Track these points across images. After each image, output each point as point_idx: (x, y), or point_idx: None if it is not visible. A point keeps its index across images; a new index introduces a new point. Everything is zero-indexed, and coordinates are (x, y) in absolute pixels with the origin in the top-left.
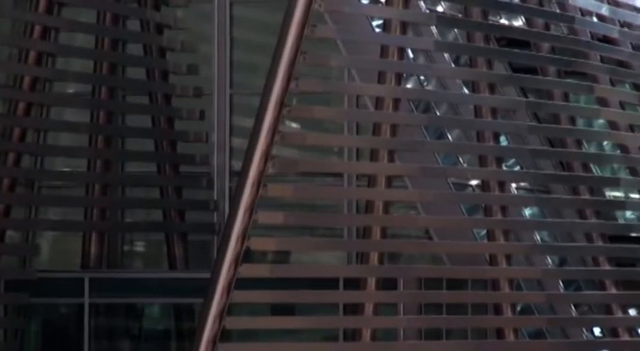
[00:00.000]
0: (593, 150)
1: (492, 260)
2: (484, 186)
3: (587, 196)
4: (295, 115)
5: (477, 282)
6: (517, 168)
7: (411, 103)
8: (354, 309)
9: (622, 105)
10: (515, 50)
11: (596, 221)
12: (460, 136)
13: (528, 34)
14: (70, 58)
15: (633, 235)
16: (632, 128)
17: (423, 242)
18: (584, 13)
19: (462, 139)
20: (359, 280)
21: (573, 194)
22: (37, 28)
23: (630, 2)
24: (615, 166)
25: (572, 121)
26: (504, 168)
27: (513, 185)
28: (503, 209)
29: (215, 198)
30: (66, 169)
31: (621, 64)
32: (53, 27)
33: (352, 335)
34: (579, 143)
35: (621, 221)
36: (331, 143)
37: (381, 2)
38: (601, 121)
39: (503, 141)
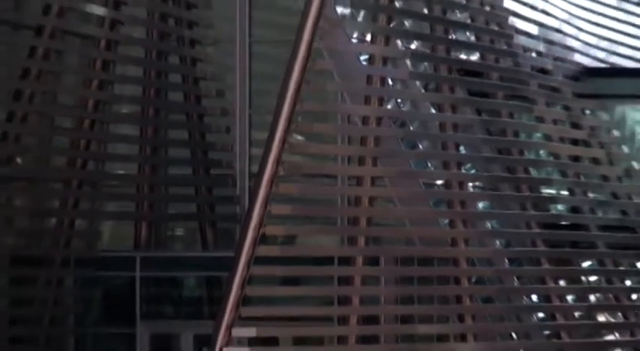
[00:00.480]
0: (532, 157)
1: (453, 243)
2: (447, 185)
3: (527, 193)
4: (300, 129)
5: (441, 260)
6: (473, 171)
7: (390, 120)
8: (345, 280)
9: (555, 122)
10: (472, 78)
11: (533, 213)
12: (428, 145)
13: (482, 66)
14: (125, 85)
15: (562, 223)
16: (562, 140)
17: (399, 229)
18: (526, 49)
19: (430, 148)
20: (349, 258)
21: (516, 192)
22: (99, 62)
23: (562, 41)
24: (549, 169)
25: (516, 134)
26: (463, 171)
27: (470, 184)
28: (462, 203)
29: (237, 194)
30: (122, 172)
31: (554, 89)
32: (112, 60)
33: (344, 301)
34: (521, 152)
35: (553, 212)
36: (328, 151)
37: (366, 41)
38: (538, 134)
39: (462, 150)
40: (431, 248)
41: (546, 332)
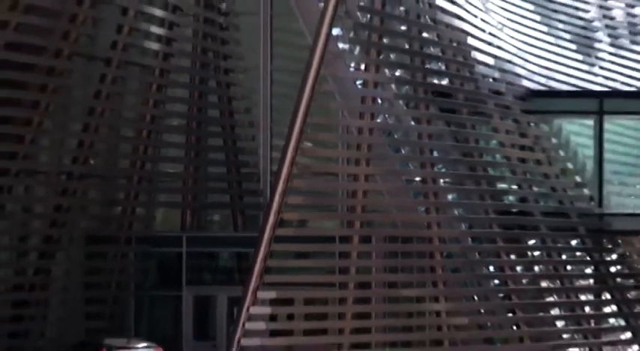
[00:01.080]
0: (489, 159)
1: (428, 226)
2: (424, 181)
3: (485, 187)
4: (309, 138)
5: (419, 238)
6: (443, 170)
7: (380, 131)
8: (345, 255)
9: (507, 132)
10: (442, 98)
11: (490, 202)
12: (409, 150)
13: (450, 88)
14: (174, 103)
15: (513, 210)
16: (512, 146)
17: (386, 215)
18: (484, 76)
19: (410, 152)
20: (348, 237)
21: (477, 186)
22: (154, 86)
23: (512, 70)
24: (502, 169)
25: (477, 141)
26: (436, 170)
27: (441, 180)
28: (435, 195)
29: (261, 188)
30: (171, 171)
31: (506, 107)
32: (164, 85)
33: (344, 271)
34: (481, 155)
35: (506, 202)
36: (331, 155)
37: (361, 69)
38: (494, 141)
39: (435, 154)
40: (411, 230)
41: (500, 295)
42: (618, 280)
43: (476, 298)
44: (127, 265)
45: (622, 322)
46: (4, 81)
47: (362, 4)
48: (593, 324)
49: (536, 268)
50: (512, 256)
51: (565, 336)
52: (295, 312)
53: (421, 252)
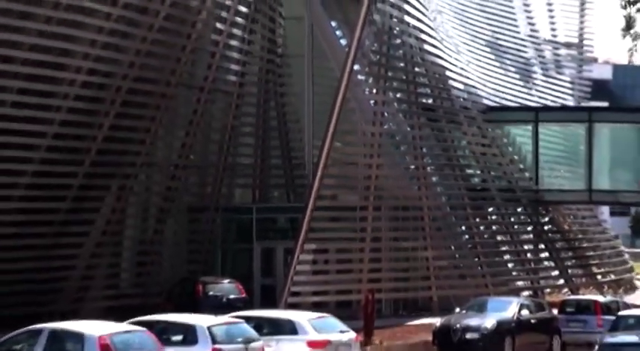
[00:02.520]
0: (461, 153)
1: (420, 198)
2: (417, 168)
3: (458, 173)
4: (338, 139)
5: (413, 207)
6: (430, 161)
7: (386, 134)
8: (363, 219)
9: (473, 135)
10: (428, 112)
11: (462, 182)
12: (406, 148)
13: (433, 105)
14: (247, 117)
15: (477, 188)
16: (477, 144)
17: (391, 190)
18: (457, 96)
19: (407, 149)
20: (365, 207)
21: (452, 171)
22: (233, 105)
23: (476, 92)
24: (470, 159)
25: (452, 141)
26: (424, 161)
27: (428, 168)
28: (425, 177)
29: (306, 172)
30: (246, 163)
31: (472, 118)
32: (239, 104)
33: (362, 230)
34: (455, 150)
35: (472, 182)
36: (353, 151)
37: (373, 93)
38: (464, 141)
39: (424, 150)
40: (408, 201)
41: (469, 245)
42: (549, 235)
43: (452, 247)
44: (215, 228)
45: (552, 264)
46: (132, 102)
47: (373, 48)
48: (532, 265)
49: (493, 227)
50: (477, 219)
51: (513, 273)
52: (329, 258)
53: (415, 216)
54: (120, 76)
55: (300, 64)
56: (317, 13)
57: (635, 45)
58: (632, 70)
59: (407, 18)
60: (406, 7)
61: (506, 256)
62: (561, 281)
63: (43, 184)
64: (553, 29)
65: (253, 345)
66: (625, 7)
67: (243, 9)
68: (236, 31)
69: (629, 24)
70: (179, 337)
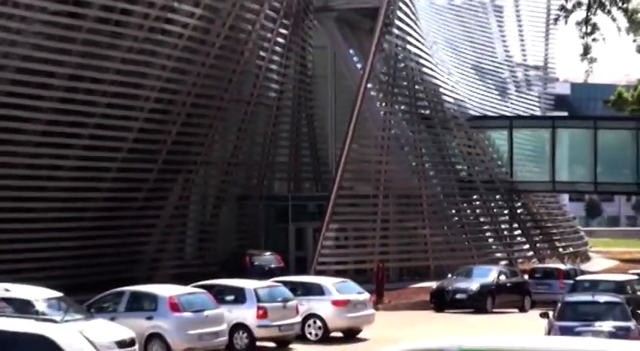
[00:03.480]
0: (451, 152)
1: (419, 188)
2: (417, 165)
3: (450, 168)
4: (355, 142)
5: (415, 196)
6: (427, 159)
7: (393, 138)
8: (374, 204)
9: (461, 138)
10: (426, 120)
11: (453, 175)
12: (409, 148)
13: (430, 114)
14: (282, 125)
15: (465, 179)
16: (464, 146)
17: (397, 182)
18: (448, 108)
19: (410, 149)
20: (376, 195)
21: (445, 167)
22: (272, 117)
23: (464, 104)
24: (459, 157)
25: (445, 143)
26: (424, 159)
27: (426, 164)
28: (423, 172)
29: (330, 169)
30: (282, 160)
31: (460, 124)
32: (277, 115)
33: (374, 213)
34: (447, 150)
35: (461, 175)
36: (367, 151)
37: (382, 105)
38: (454, 143)
39: (423, 150)
40: (410, 190)
41: (458, 225)
42: (522, 216)
43: (445, 227)
44: (259, 212)
45: (524, 239)
46: (194, 114)
47: (382, 71)
48: (508, 240)
49: (477, 211)
50: (465, 205)
51: (493, 247)
52: (348, 235)
53: (415, 203)
54: (185, 93)
55: (325, 83)
56: (338, 43)
57: (591, 67)
58: (586, 88)
59: (409, 47)
60: (408, 38)
61: (488, 234)
62: (531, 253)
63: (125, 178)
64: (524, 54)
65: (289, 304)
66: (583, 37)
67: (281, 40)
68: (275, 58)
69: (586, 50)
70: (231, 297)
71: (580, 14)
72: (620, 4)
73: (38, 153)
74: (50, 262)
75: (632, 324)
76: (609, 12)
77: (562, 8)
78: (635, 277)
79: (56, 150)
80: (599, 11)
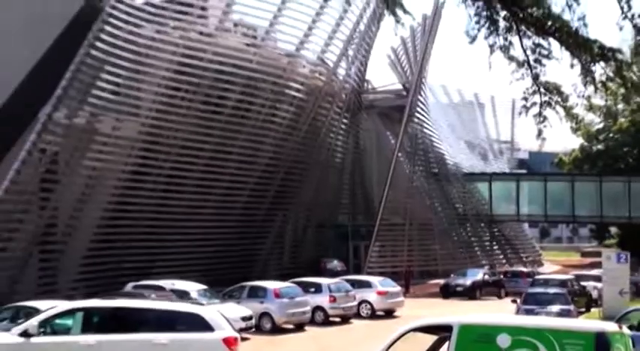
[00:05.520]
0: (452, 196)
1: (430, 219)
2: (431, 204)
3: (451, 204)
4: (392, 190)
5: (425, 221)
6: (436, 200)
7: (416, 188)
8: (402, 226)
9: (457, 187)
10: (435, 176)
11: (451, 209)
12: (425, 195)
13: (438, 171)
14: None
15: (460, 212)
16: (459, 191)
17: (418, 214)
18: (449, 166)
19: (425, 198)
20: (404, 223)
21: (448, 204)
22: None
23: (459, 164)
24: (457, 199)
25: (447, 191)
26: (434, 202)
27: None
28: (434, 209)
29: (376, 208)
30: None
31: (456, 174)
32: (344, 173)
33: (402, 234)
34: (449, 195)
35: (458, 210)
36: (398, 197)
37: (408, 166)
38: (454, 190)
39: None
40: (426, 220)
41: (457, 243)
42: (498, 237)
43: (449, 244)
44: (330, 235)
45: (499, 252)
46: (291, 172)
47: (408, 145)
48: (490, 253)
49: (469, 233)
50: (461, 230)
51: (480, 257)
52: (387, 250)
53: (429, 229)
54: (284, 159)
55: (372, 153)
56: (378, 127)
57: (542, 143)
58: (540, 155)
59: (425, 130)
60: (424, 124)
61: (476, 248)
62: (504, 261)
63: (246, 213)
64: (498, 133)
65: (350, 293)
66: (537, 124)
67: (343, 126)
68: (340, 137)
69: (540, 133)
70: (313, 289)
71: (535, 109)
72: (561, 104)
73: (196, 197)
74: (200, 266)
75: (571, 307)
76: (554, 108)
77: (523, 106)
78: (573, 276)
79: (201, 195)
80: (548, 108)
